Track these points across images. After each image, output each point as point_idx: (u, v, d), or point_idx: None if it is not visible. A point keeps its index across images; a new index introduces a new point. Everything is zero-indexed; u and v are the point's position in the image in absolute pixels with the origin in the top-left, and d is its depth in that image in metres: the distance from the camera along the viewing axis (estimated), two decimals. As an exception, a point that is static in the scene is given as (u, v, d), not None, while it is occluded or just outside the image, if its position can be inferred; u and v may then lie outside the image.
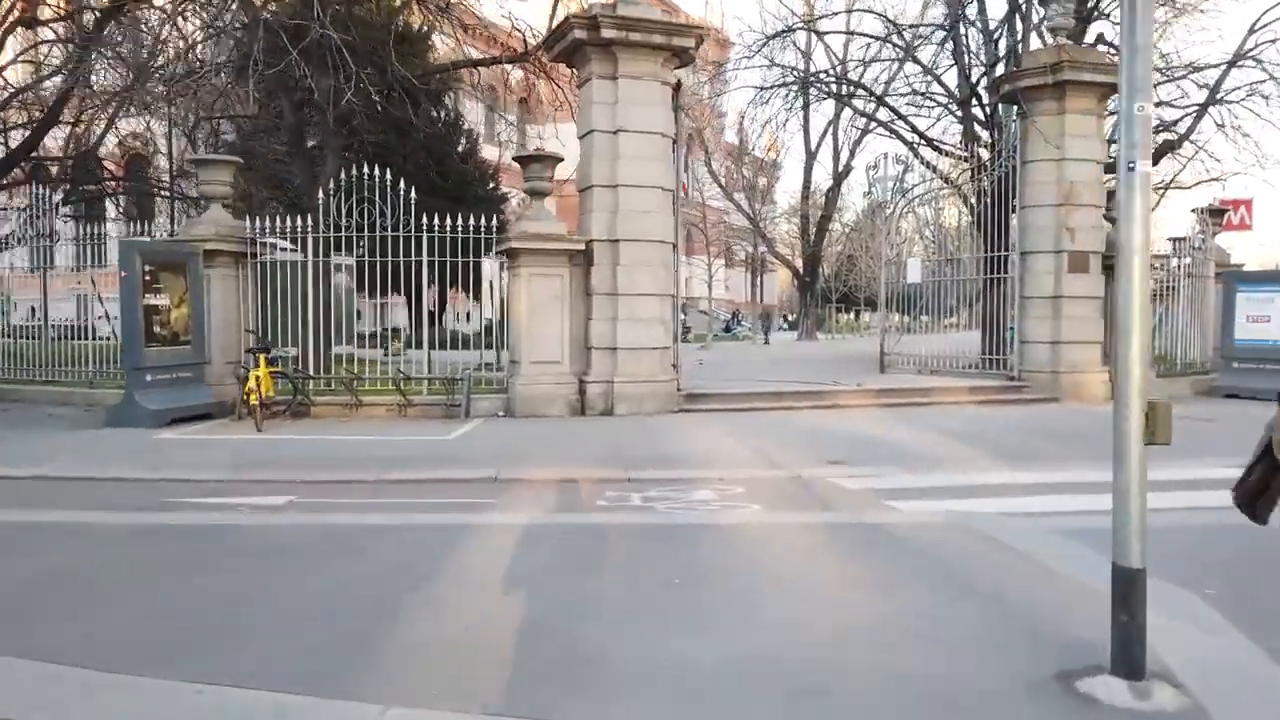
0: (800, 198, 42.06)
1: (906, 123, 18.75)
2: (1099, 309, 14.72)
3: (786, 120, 19.00)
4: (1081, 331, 14.49)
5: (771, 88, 18.22)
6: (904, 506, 6.78)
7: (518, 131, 34.09)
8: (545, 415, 11.95)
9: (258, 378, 10.48)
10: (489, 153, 29.75)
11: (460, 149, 28.91)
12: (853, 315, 63.21)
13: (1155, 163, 19.60)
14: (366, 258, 11.98)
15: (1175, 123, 19.80)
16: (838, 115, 34.92)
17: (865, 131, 31.73)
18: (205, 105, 16.33)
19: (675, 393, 12.66)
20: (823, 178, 40.24)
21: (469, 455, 9.09)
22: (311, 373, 12.04)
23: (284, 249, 12.90)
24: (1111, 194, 15.29)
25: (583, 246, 12.26)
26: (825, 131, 38.39)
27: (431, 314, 17.90)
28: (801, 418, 12.08)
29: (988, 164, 15.65)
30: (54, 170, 19.14)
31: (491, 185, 29.65)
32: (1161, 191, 22.68)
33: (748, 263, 62.81)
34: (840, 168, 37.79)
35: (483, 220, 12.06)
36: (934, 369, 16.68)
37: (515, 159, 12.62)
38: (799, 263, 43.45)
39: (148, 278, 10.91)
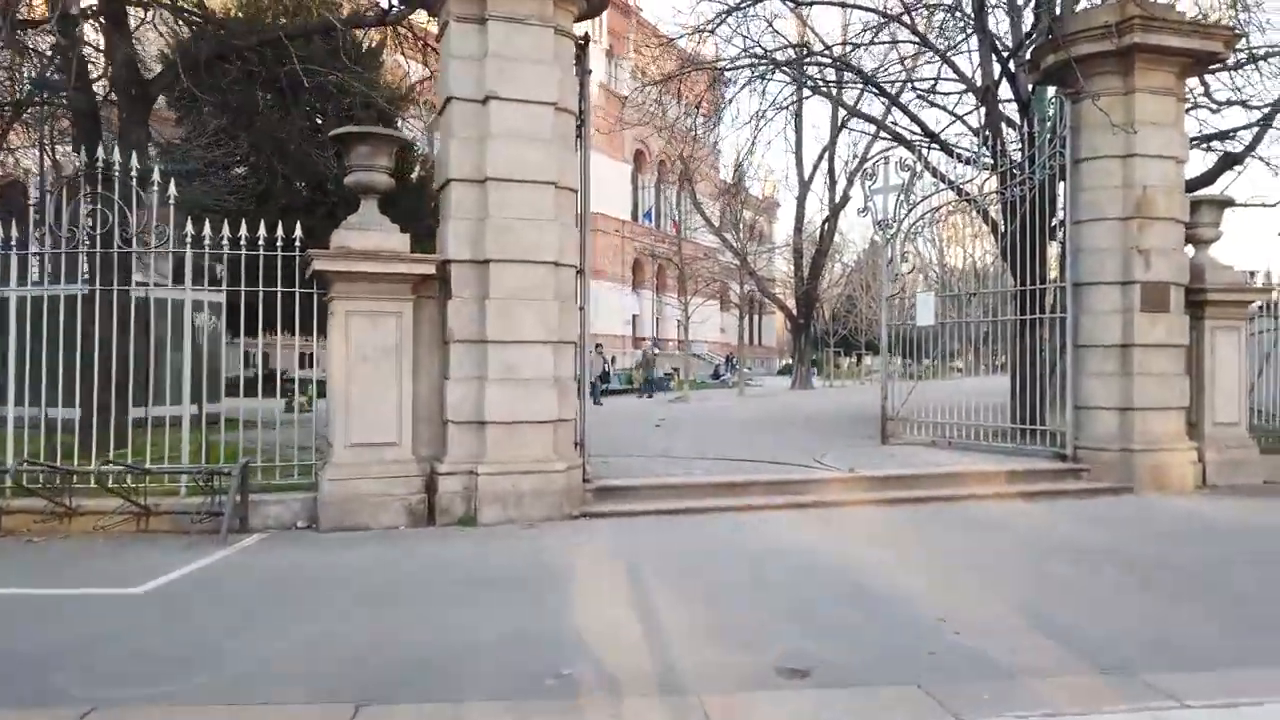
0: (794, 230, 37.96)
1: (916, 121, 14.70)
2: (1181, 361, 10.67)
3: (764, 119, 14.92)
4: (1161, 394, 10.42)
5: (737, 68, 14.10)
6: None
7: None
8: (369, 526, 7.79)
9: None
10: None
11: (415, 174, 25.32)
12: (854, 359, 59.08)
13: (1213, 180, 15.72)
14: (99, 285, 7.96)
15: (1235, 131, 15.75)
16: (834, 138, 31.07)
17: (863, 157, 27.79)
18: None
19: (578, 486, 8.50)
20: (818, 211, 36.36)
21: (97, 659, 4.64)
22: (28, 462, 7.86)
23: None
24: (1196, 205, 11.28)
25: (433, 270, 8.18)
26: (820, 157, 34.62)
27: None
28: (763, 530, 7.90)
29: (1019, 169, 11.64)
30: None
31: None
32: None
33: (742, 304, 58.95)
34: (837, 198, 33.77)
35: (278, 232, 7.98)
36: (952, 438, 12.51)
37: (332, 136, 8.56)
38: (793, 303, 39.24)
39: None
